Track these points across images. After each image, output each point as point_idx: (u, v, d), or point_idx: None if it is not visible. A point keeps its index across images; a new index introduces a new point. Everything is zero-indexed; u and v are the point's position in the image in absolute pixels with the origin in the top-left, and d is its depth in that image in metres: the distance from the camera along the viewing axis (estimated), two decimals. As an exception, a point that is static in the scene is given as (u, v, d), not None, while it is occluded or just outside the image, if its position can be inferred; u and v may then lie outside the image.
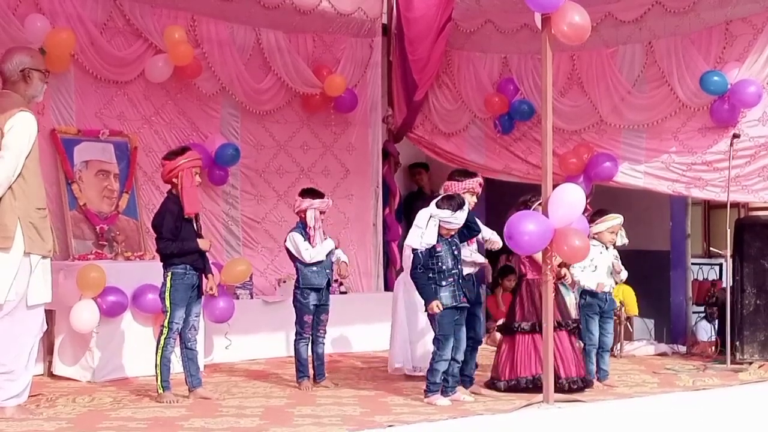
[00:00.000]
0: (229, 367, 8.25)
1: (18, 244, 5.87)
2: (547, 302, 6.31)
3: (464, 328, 6.63)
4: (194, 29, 8.83)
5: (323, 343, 7.38)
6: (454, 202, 6.49)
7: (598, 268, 7.38)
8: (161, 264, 6.68)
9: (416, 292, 7.44)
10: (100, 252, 7.95)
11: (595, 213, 7.47)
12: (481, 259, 7.06)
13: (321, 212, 7.29)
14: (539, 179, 6.50)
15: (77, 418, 6.00)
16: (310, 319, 7.24)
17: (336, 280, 8.44)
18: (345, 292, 9.50)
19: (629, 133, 8.96)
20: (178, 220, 6.58)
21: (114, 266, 7.64)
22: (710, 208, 11.05)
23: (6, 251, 5.84)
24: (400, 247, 10.24)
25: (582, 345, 7.44)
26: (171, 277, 6.56)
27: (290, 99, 9.58)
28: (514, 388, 6.94)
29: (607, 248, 7.45)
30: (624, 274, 7.49)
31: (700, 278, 11.22)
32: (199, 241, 6.66)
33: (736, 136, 8.09)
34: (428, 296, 6.48)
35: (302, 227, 7.28)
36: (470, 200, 6.87)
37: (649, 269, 9.47)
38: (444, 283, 6.49)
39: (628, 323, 9.23)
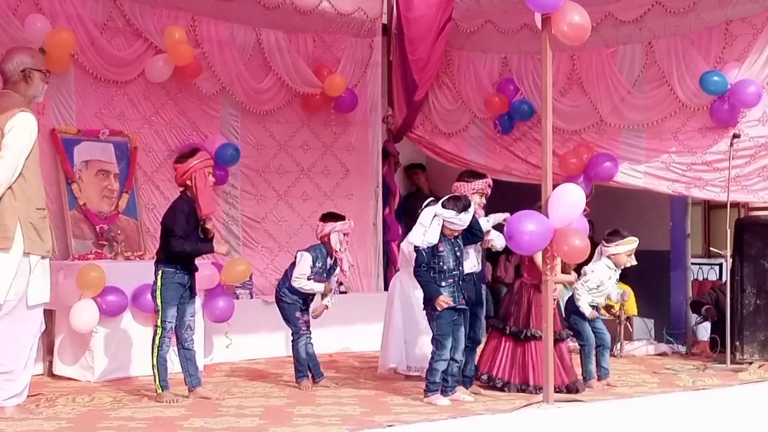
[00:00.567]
0: (228, 366, 8.25)
1: (17, 245, 5.87)
2: (547, 302, 6.30)
3: (463, 328, 6.64)
4: (194, 29, 8.83)
5: (312, 343, 7.36)
6: (459, 203, 6.48)
7: (603, 292, 7.39)
8: (153, 263, 6.66)
9: (413, 292, 7.50)
10: (99, 252, 7.95)
11: (610, 233, 7.45)
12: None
13: (345, 234, 7.27)
14: (539, 179, 6.50)
15: (77, 417, 6.00)
16: (301, 315, 7.27)
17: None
18: (345, 292, 9.50)
19: (629, 133, 8.96)
20: (190, 220, 6.57)
21: (114, 266, 7.64)
22: (710, 208, 11.05)
23: (5, 251, 5.84)
24: (400, 247, 10.30)
25: (577, 346, 7.46)
26: (161, 276, 6.56)
27: (290, 99, 9.58)
28: (489, 384, 7.02)
29: (616, 271, 7.43)
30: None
31: (700, 278, 11.23)
32: (215, 244, 6.63)
33: (736, 136, 8.09)
34: (432, 293, 6.48)
35: (322, 252, 7.25)
36: (478, 201, 6.88)
37: (649, 269, 9.46)
38: (444, 283, 6.49)
39: (628, 323, 9.22)
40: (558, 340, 6.97)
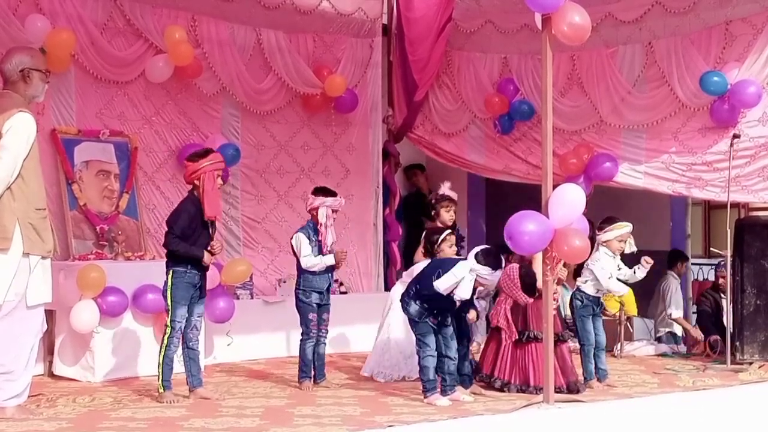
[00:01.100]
0: (229, 367, 8.25)
1: (17, 245, 5.87)
2: (547, 303, 6.30)
3: (450, 328, 6.65)
4: (195, 29, 8.83)
5: (325, 343, 7.40)
6: (492, 260, 6.48)
7: (613, 275, 7.41)
8: (165, 263, 6.68)
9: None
10: (100, 252, 7.95)
11: (604, 220, 7.45)
12: None
13: (333, 210, 7.30)
14: (539, 179, 6.50)
15: (77, 418, 6.00)
16: (315, 317, 7.26)
17: (336, 280, 8.44)
18: (345, 292, 9.50)
19: (629, 133, 8.96)
20: (194, 221, 6.58)
21: (114, 266, 7.64)
22: (710, 208, 11.07)
23: (5, 252, 5.84)
24: (400, 247, 10.31)
25: (577, 347, 7.47)
26: (172, 275, 6.57)
27: (291, 99, 9.58)
28: (488, 383, 7.04)
29: (615, 256, 7.44)
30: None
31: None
32: (205, 253, 6.63)
33: (736, 136, 8.09)
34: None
35: (311, 228, 7.29)
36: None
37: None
38: (418, 301, 6.57)
39: (628, 323, 9.22)
40: (559, 341, 6.98)
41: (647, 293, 9.62)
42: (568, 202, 6.27)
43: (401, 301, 6.76)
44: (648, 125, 8.83)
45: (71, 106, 8.20)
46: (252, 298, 8.95)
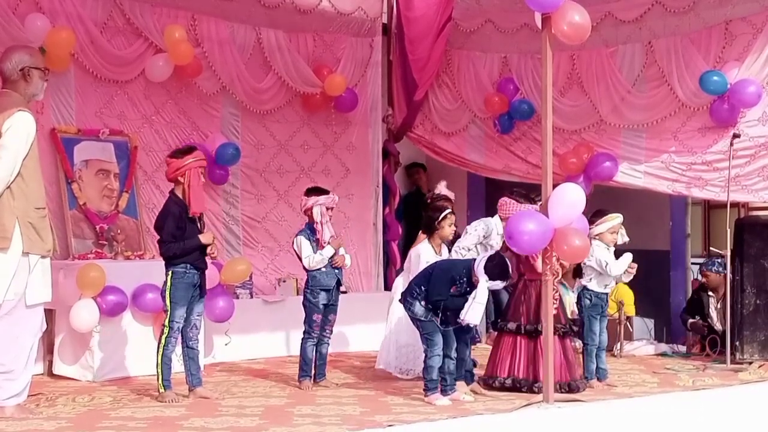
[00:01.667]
0: (229, 366, 8.25)
1: (16, 244, 5.86)
2: (547, 302, 6.31)
3: (451, 326, 6.65)
4: (194, 28, 8.83)
5: (328, 343, 7.40)
6: (500, 272, 6.49)
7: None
8: (163, 263, 6.68)
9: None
10: (100, 251, 7.95)
11: (594, 213, 7.47)
12: None
13: (328, 208, 7.31)
14: (539, 179, 6.50)
15: (77, 417, 6.00)
16: (319, 318, 7.27)
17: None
18: (345, 292, 9.47)
19: (629, 132, 8.96)
20: (181, 221, 6.58)
21: (114, 266, 7.64)
22: (710, 207, 11.03)
23: (4, 251, 5.84)
24: (400, 247, 10.31)
25: (580, 345, 7.47)
26: (171, 276, 6.57)
27: (291, 98, 9.58)
28: (489, 385, 7.04)
29: (609, 248, 7.46)
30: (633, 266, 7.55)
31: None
32: (200, 236, 6.65)
33: (736, 135, 8.09)
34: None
35: (309, 229, 7.30)
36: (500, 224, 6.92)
37: (649, 269, 9.46)
38: (423, 302, 6.56)
39: (628, 323, 9.22)
40: (565, 333, 6.99)
41: (648, 293, 9.61)
42: (568, 201, 6.27)
43: (403, 300, 6.75)
44: (648, 125, 8.83)
45: (71, 105, 8.20)
46: (252, 297, 8.95)
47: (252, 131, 9.41)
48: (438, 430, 5.63)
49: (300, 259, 7.35)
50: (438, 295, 6.53)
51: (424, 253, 7.33)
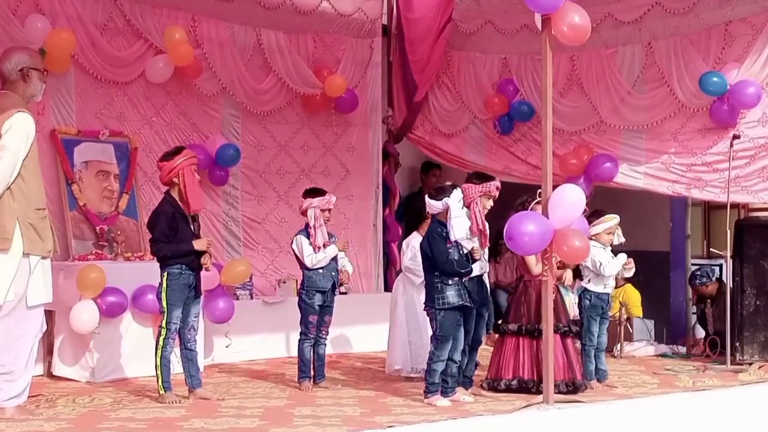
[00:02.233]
0: (229, 367, 8.25)
1: (17, 245, 5.86)
2: (547, 302, 6.31)
3: (463, 330, 6.64)
4: (195, 30, 8.83)
5: (325, 344, 7.40)
6: (439, 188, 6.66)
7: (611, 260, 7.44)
8: (159, 265, 6.67)
9: (416, 293, 7.52)
10: (100, 252, 7.95)
11: (591, 214, 7.48)
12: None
13: (323, 210, 7.31)
14: (539, 180, 6.50)
15: (77, 418, 6.00)
16: (314, 320, 7.27)
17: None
18: (345, 293, 9.49)
19: (629, 134, 8.96)
20: (173, 221, 6.56)
21: (114, 267, 7.64)
22: (710, 208, 11.05)
23: (4, 252, 5.84)
24: (400, 248, 10.29)
25: (580, 346, 7.48)
26: (167, 277, 6.56)
27: (291, 99, 9.59)
28: (495, 387, 7.03)
29: (606, 248, 7.48)
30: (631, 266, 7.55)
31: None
32: (195, 241, 6.64)
33: (735, 137, 8.09)
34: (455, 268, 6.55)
35: (306, 230, 7.31)
36: (486, 204, 6.88)
37: (649, 270, 9.46)
38: (450, 281, 6.50)
39: (628, 324, 9.22)
40: (566, 333, 7.00)
41: (648, 294, 9.61)
42: (568, 202, 6.27)
43: (431, 302, 6.58)
44: (648, 126, 8.83)
45: (71, 106, 8.20)
46: (252, 298, 8.95)
47: (252, 132, 9.41)
48: (438, 431, 5.63)
49: (298, 259, 7.35)
50: (445, 258, 6.46)
51: (412, 242, 7.55)
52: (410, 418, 5.97)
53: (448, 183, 6.87)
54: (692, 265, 10.22)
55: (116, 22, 8.40)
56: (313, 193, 7.39)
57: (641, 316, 9.53)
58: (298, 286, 7.47)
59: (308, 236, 7.28)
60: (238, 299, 8.67)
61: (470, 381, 7.02)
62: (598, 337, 7.45)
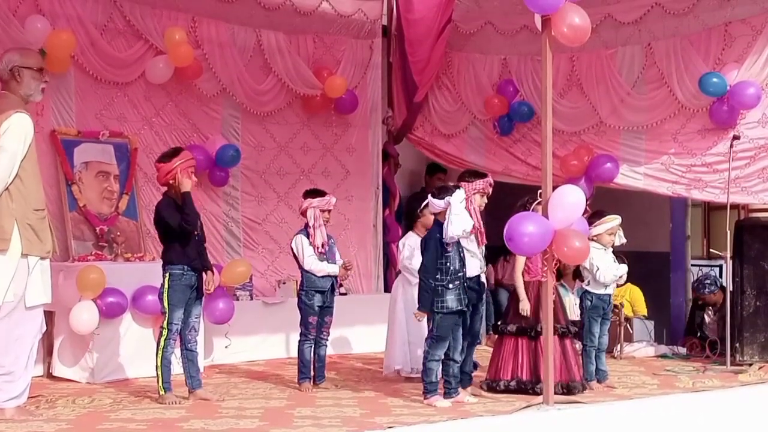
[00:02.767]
0: (228, 368, 8.25)
1: (15, 246, 5.86)
2: (547, 302, 6.31)
3: (461, 330, 6.65)
4: (195, 30, 8.83)
5: (326, 345, 7.40)
6: (441, 188, 6.72)
7: (610, 267, 7.42)
8: (161, 265, 6.67)
9: (415, 293, 7.53)
10: (99, 253, 7.95)
11: (592, 214, 7.48)
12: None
13: (322, 210, 7.32)
14: (539, 180, 6.50)
15: (77, 419, 6.00)
16: (314, 321, 7.27)
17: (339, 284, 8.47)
18: (345, 294, 9.50)
19: (629, 134, 8.97)
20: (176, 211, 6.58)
21: (114, 267, 7.63)
22: (710, 209, 11.06)
23: (3, 253, 5.84)
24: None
25: (581, 346, 7.48)
26: (169, 278, 6.56)
27: (291, 100, 9.59)
28: (493, 388, 7.03)
29: (606, 249, 7.48)
30: (623, 275, 7.54)
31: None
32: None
33: (736, 137, 8.10)
34: (424, 304, 6.55)
35: (308, 230, 7.31)
36: (480, 202, 6.90)
37: (649, 270, 9.46)
38: (451, 285, 6.51)
39: (627, 324, 9.23)
40: (564, 334, 7.00)
41: (648, 294, 9.61)
42: (568, 203, 6.26)
43: (432, 307, 6.57)
44: (647, 126, 8.83)
45: (71, 107, 8.20)
46: (252, 299, 8.95)
47: (252, 133, 9.42)
48: (438, 432, 5.64)
49: (296, 259, 7.35)
50: (428, 266, 6.50)
51: (408, 241, 7.60)
52: (410, 418, 5.97)
53: (452, 183, 6.90)
54: (692, 266, 10.23)
55: (116, 22, 8.40)
56: (313, 193, 7.41)
57: (646, 314, 9.53)
58: (298, 287, 7.46)
59: (308, 236, 7.29)
60: (238, 300, 8.67)
61: (469, 378, 7.02)
62: (599, 338, 7.45)
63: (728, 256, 8.57)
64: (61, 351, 7.56)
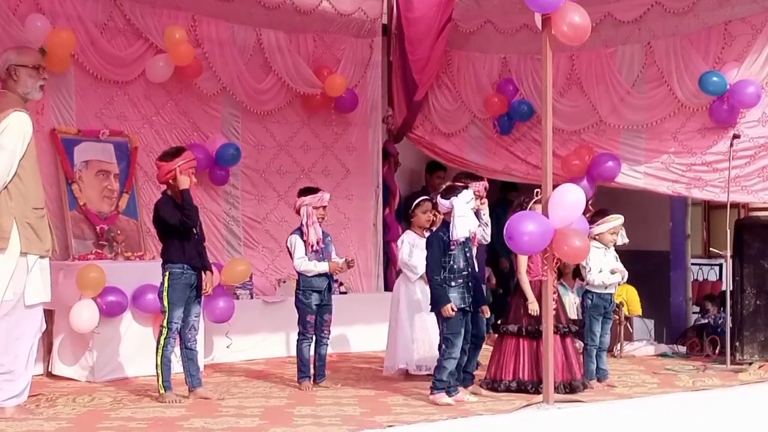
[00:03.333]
0: (228, 367, 8.25)
1: (14, 245, 5.87)
2: (547, 302, 6.31)
3: (463, 329, 6.65)
4: (195, 29, 8.83)
5: (327, 344, 7.40)
6: (449, 187, 6.71)
7: (603, 269, 7.41)
8: (161, 264, 6.67)
9: (417, 291, 7.55)
10: (100, 252, 7.95)
11: (595, 214, 7.48)
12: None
13: (315, 208, 7.31)
14: (539, 179, 6.50)
15: (77, 418, 6.01)
16: (312, 319, 7.27)
17: (336, 280, 8.45)
18: (345, 293, 9.50)
19: (628, 133, 8.96)
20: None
21: (114, 266, 7.63)
22: (710, 208, 11.06)
23: (2, 251, 5.85)
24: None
25: (582, 345, 7.48)
26: (168, 277, 6.56)
27: (291, 99, 9.59)
28: (494, 388, 7.03)
29: (608, 249, 7.47)
30: (624, 275, 7.53)
31: (700, 279, 11.24)
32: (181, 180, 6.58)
33: (735, 136, 8.09)
34: (440, 301, 6.53)
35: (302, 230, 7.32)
36: (475, 204, 6.90)
37: (649, 270, 9.47)
38: (454, 284, 6.53)
39: (627, 323, 9.23)
40: (565, 333, 7.00)
41: (648, 293, 9.62)
42: (568, 202, 6.27)
43: (437, 305, 6.59)
44: (647, 125, 8.83)
45: (71, 105, 8.20)
46: (252, 298, 8.96)
47: (252, 132, 9.42)
48: (438, 431, 5.63)
49: (292, 258, 7.35)
50: (433, 265, 6.53)
51: (406, 238, 7.64)
52: (410, 417, 5.97)
53: (460, 183, 6.89)
54: (692, 265, 10.24)
55: (116, 21, 8.40)
56: (306, 191, 7.41)
57: (641, 314, 9.54)
58: (296, 287, 7.45)
59: (302, 235, 7.28)
60: (238, 299, 8.68)
61: (471, 377, 7.03)
62: (600, 337, 7.45)
63: (728, 255, 8.57)
64: (61, 350, 7.57)
